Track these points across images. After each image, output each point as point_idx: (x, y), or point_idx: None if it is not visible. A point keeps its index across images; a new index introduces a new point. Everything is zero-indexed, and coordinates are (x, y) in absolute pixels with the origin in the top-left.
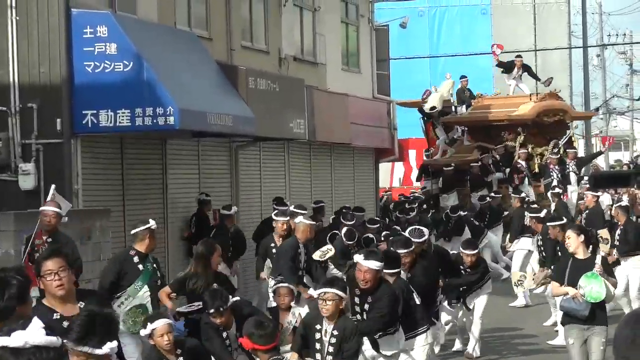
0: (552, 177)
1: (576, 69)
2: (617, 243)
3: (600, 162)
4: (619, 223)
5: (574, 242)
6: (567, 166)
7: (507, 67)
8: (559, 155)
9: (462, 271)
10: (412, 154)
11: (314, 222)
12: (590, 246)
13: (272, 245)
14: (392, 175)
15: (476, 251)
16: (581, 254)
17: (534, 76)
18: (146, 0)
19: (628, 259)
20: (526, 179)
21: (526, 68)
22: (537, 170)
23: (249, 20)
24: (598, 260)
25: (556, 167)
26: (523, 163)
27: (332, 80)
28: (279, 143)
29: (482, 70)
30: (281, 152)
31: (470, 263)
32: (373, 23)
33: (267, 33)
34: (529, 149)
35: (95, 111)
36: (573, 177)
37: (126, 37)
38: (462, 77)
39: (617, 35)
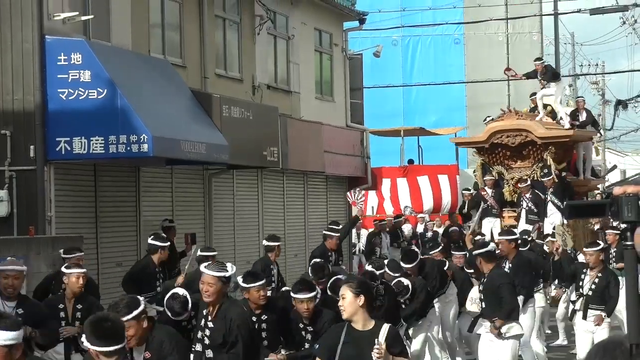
0: (522, 207)
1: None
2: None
3: None
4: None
5: (350, 306)
6: (546, 195)
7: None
8: (527, 183)
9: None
10: (385, 182)
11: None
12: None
13: None
14: (365, 204)
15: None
16: (360, 323)
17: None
18: (120, 28)
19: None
20: (494, 209)
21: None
22: (508, 198)
23: (222, 48)
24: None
25: (527, 195)
26: (489, 191)
27: (305, 108)
28: (252, 171)
29: (455, 99)
30: (255, 180)
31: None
32: (347, 52)
33: (241, 61)
34: (503, 174)
35: (68, 138)
36: (551, 208)
37: (100, 65)
38: None
39: (589, 65)
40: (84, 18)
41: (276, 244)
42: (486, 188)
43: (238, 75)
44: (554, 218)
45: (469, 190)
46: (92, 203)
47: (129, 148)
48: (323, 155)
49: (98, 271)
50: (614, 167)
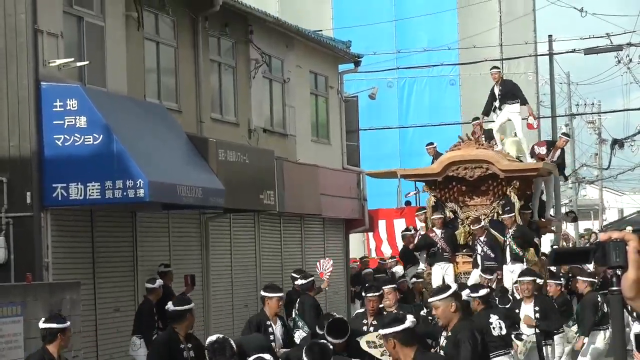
0: (476, 252)
1: (545, 138)
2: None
3: (570, 230)
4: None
5: None
6: (506, 238)
7: None
8: (481, 224)
9: None
10: (381, 224)
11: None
12: None
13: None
14: (368, 246)
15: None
16: None
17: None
18: (116, 73)
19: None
20: (445, 252)
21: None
22: (462, 240)
23: (218, 92)
24: None
25: (481, 238)
26: (438, 232)
27: (302, 151)
28: (249, 214)
29: (451, 140)
30: (251, 224)
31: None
32: (342, 94)
33: (237, 105)
34: (457, 213)
35: (65, 184)
36: (509, 254)
37: (96, 110)
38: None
39: (585, 104)
40: (79, 64)
41: (274, 294)
42: (435, 229)
43: (234, 119)
44: (514, 266)
45: (410, 230)
46: (89, 249)
47: (125, 193)
48: (320, 198)
49: (95, 317)
50: (572, 212)
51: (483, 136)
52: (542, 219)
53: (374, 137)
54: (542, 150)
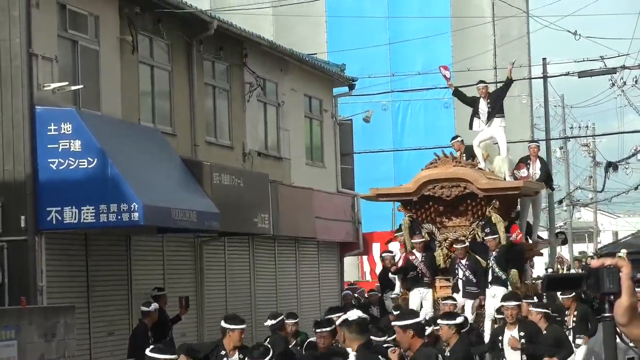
0: (457, 277)
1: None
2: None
3: (564, 253)
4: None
5: None
6: (488, 260)
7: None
8: (464, 244)
9: None
10: (376, 247)
11: None
12: None
13: None
14: (362, 269)
15: None
16: None
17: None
18: (110, 97)
19: None
20: (425, 277)
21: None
22: (441, 264)
23: (212, 115)
24: None
25: (463, 261)
26: (418, 255)
27: (296, 174)
28: (243, 238)
29: None
30: (246, 247)
31: None
32: (337, 117)
33: (231, 128)
34: (434, 234)
35: (59, 208)
36: (491, 276)
37: (90, 134)
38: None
39: (579, 127)
40: (73, 88)
41: (237, 327)
42: (415, 252)
43: (228, 142)
44: (496, 290)
45: (391, 252)
46: (83, 272)
47: (119, 217)
48: (314, 221)
49: (90, 340)
50: (562, 233)
51: (464, 154)
52: (528, 241)
53: (368, 160)
54: (524, 172)
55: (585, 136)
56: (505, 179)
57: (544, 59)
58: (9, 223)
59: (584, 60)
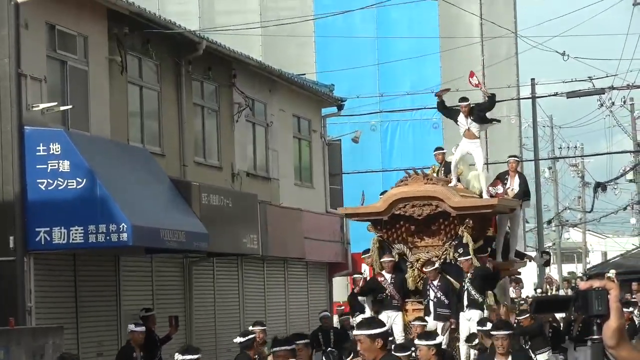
0: (428, 298)
1: (528, 181)
2: None
3: (553, 274)
4: None
5: None
6: (463, 282)
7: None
8: (435, 266)
9: None
10: (365, 268)
11: None
12: None
13: None
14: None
15: None
16: None
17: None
18: (99, 118)
19: None
20: (394, 300)
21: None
22: (411, 286)
23: (201, 136)
24: None
25: (434, 283)
26: (387, 276)
27: (285, 195)
28: (232, 258)
29: None
30: (235, 267)
31: None
32: (325, 138)
33: (220, 149)
34: (405, 255)
35: (48, 228)
36: (467, 299)
37: (79, 155)
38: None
39: (568, 147)
40: (62, 108)
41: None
42: (384, 272)
43: (217, 162)
44: (472, 313)
45: (362, 274)
46: (72, 293)
47: (108, 237)
48: (303, 241)
49: None
50: (546, 253)
51: (443, 168)
52: (504, 260)
53: (357, 180)
54: (499, 189)
55: (574, 156)
56: (481, 195)
57: (532, 80)
58: None
59: (572, 81)
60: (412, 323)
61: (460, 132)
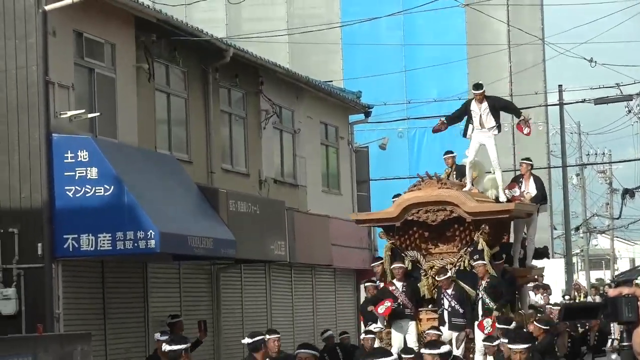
0: (443, 308)
1: (556, 188)
2: None
3: (581, 280)
4: None
5: None
6: (478, 290)
7: None
8: (447, 274)
9: None
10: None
11: None
12: None
13: None
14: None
15: None
16: None
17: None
18: (127, 125)
19: None
20: (406, 309)
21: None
22: (426, 294)
23: (229, 143)
24: None
25: (448, 291)
26: (398, 285)
27: (312, 202)
28: (260, 265)
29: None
30: (262, 274)
31: None
32: (353, 145)
33: (247, 156)
34: (419, 262)
35: (76, 235)
36: (481, 308)
37: (107, 162)
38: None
39: (596, 154)
40: (90, 115)
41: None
42: (395, 281)
43: (244, 169)
44: (487, 323)
45: (374, 282)
46: (100, 300)
47: (136, 244)
48: (330, 248)
49: None
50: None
51: (454, 172)
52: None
53: (384, 187)
54: (516, 192)
55: (602, 163)
56: (497, 201)
57: (560, 86)
58: (26, 250)
59: (600, 87)
60: (427, 332)
61: (473, 121)
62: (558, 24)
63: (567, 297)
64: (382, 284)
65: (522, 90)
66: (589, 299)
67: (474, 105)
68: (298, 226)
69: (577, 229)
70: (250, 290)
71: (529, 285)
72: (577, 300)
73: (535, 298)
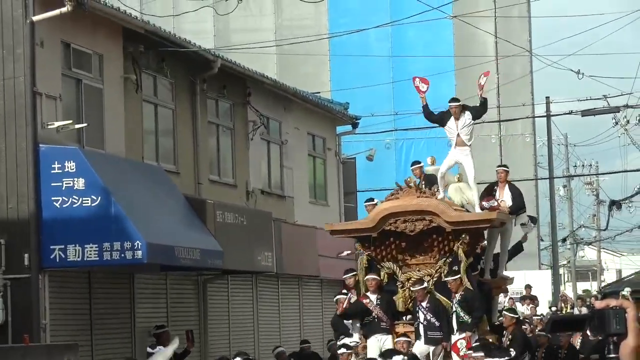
0: (418, 321)
1: (543, 199)
2: None
3: (568, 291)
4: None
5: None
6: (452, 303)
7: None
8: (423, 285)
9: None
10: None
11: None
12: None
13: None
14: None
15: None
16: None
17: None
18: (114, 135)
19: None
20: (382, 322)
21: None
22: (401, 307)
23: (216, 154)
24: None
25: (423, 304)
26: (372, 298)
27: (299, 213)
28: (247, 276)
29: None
30: (249, 285)
31: None
32: (340, 156)
33: (235, 167)
34: (396, 274)
35: (63, 246)
36: (456, 322)
37: (94, 172)
38: None
39: (583, 166)
40: (77, 126)
41: None
42: (368, 294)
43: (232, 180)
44: (462, 337)
45: (346, 294)
46: (86, 310)
47: (123, 255)
48: (317, 259)
49: None
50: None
51: (423, 182)
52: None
53: None
54: (493, 202)
55: (589, 174)
56: (473, 209)
57: (547, 98)
58: (13, 261)
59: (587, 99)
60: (397, 339)
61: (449, 139)
62: (546, 35)
63: (553, 309)
64: (354, 297)
65: (510, 102)
66: (576, 310)
67: (451, 123)
68: (285, 237)
69: (564, 240)
70: (237, 301)
71: (513, 296)
72: (563, 312)
73: (522, 309)
